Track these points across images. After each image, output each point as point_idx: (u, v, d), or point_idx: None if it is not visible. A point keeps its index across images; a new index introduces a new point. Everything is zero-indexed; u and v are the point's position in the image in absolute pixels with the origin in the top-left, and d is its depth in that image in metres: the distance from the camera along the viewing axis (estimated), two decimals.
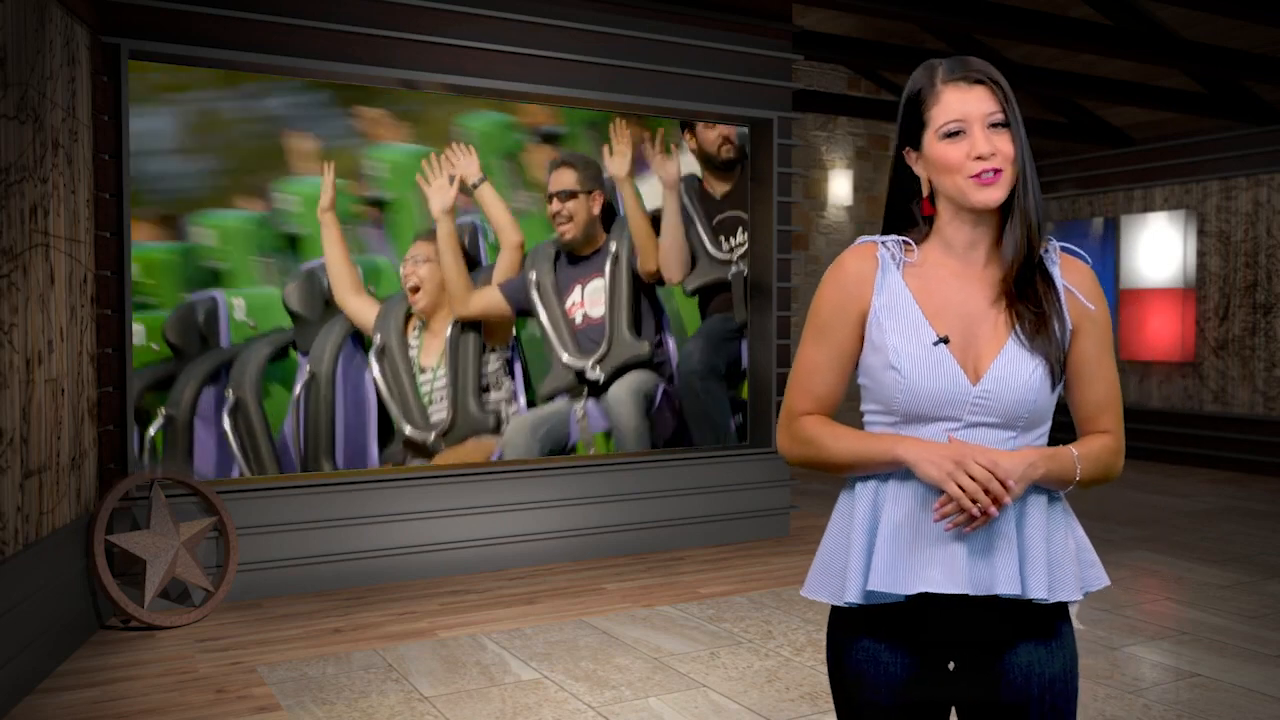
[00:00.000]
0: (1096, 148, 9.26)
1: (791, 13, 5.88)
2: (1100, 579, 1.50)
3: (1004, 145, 1.42)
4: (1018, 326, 1.44)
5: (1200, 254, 8.63)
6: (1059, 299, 1.47)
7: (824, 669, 3.67)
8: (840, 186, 8.98)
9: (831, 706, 3.31)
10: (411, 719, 3.23)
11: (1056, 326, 1.45)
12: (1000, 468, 1.35)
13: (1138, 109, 8.31)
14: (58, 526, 3.76)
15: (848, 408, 1.54)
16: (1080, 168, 9.51)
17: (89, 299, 4.17)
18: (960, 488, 1.35)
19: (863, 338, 1.49)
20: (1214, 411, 8.53)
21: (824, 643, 3.91)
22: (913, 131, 1.48)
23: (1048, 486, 1.44)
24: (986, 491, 1.35)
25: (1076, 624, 4.16)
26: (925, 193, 1.50)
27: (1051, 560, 1.43)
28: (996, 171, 1.42)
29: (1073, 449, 1.46)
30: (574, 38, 5.28)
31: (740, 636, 4.06)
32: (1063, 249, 1.51)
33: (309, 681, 3.56)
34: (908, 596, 1.42)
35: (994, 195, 1.42)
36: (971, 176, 1.42)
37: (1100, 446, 1.49)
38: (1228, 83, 7.62)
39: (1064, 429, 1.57)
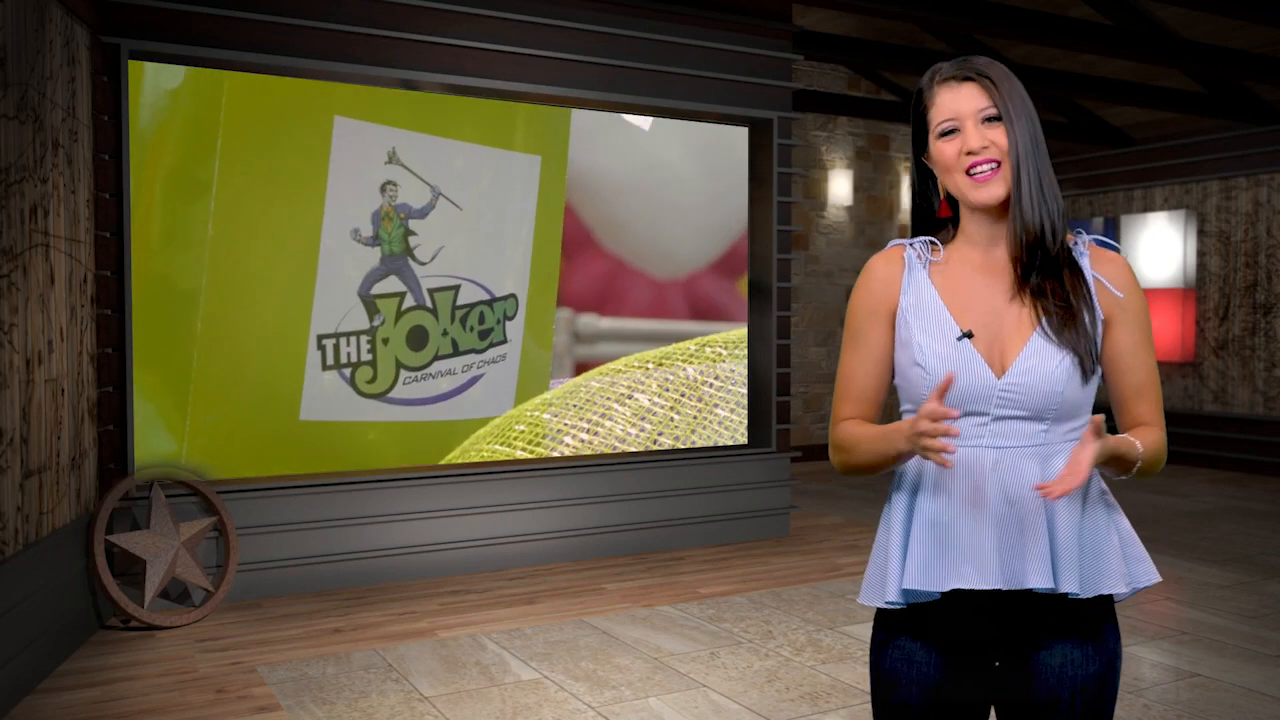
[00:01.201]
0: (1096, 148, 9.26)
1: (791, 13, 5.88)
2: (1149, 575, 1.47)
3: (998, 138, 1.43)
4: (1043, 320, 1.43)
5: (1200, 254, 8.62)
6: (1089, 291, 1.46)
7: (824, 669, 3.68)
8: (840, 186, 8.98)
9: (832, 707, 3.31)
10: (411, 719, 3.23)
11: (1087, 318, 1.44)
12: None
13: (1138, 109, 8.31)
14: (58, 526, 3.76)
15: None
16: (1080, 168, 9.52)
17: (89, 299, 4.17)
18: (926, 447, 1.32)
19: (894, 338, 1.51)
20: (1214, 411, 8.53)
21: (824, 643, 3.95)
22: (920, 135, 1.51)
23: (1108, 469, 1.43)
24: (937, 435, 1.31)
25: None
26: (943, 194, 1.52)
27: (1087, 554, 1.42)
28: (994, 166, 1.43)
29: (1134, 438, 1.45)
30: (574, 38, 5.28)
31: (740, 636, 4.06)
32: (1093, 240, 1.51)
33: (309, 681, 3.56)
34: (943, 594, 1.43)
35: (991, 192, 1.43)
36: (966, 173, 1.44)
37: (1155, 440, 1.47)
38: (1228, 83, 7.62)
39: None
